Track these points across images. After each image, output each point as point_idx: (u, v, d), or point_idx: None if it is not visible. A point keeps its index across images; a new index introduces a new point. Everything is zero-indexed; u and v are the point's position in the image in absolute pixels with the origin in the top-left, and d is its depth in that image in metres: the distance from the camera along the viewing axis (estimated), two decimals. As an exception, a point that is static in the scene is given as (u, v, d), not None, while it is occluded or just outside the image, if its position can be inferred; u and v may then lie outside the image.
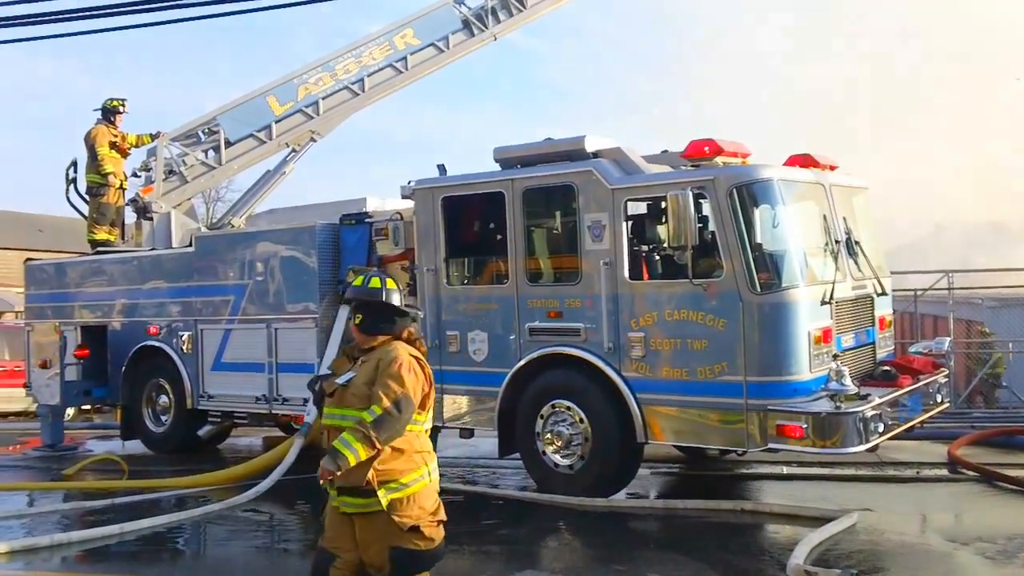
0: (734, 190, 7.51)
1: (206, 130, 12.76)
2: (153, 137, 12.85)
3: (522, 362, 8.49)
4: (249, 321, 10.62)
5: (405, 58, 12.95)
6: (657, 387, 7.82)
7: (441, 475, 4.64)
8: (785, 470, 9.51)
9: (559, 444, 8.30)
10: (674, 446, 9.31)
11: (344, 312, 9.90)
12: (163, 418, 11.74)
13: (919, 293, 13.85)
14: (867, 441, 7.16)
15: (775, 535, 7.45)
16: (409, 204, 9.50)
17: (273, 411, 10.60)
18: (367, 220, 9.96)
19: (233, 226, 12.81)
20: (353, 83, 12.77)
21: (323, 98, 12.68)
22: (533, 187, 8.59)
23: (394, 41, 12.88)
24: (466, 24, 13.22)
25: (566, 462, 8.29)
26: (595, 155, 8.31)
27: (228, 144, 12.59)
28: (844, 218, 8.34)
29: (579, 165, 8.29)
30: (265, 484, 9.04)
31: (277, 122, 12.61)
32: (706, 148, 7.80)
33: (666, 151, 8.90)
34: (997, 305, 18.79)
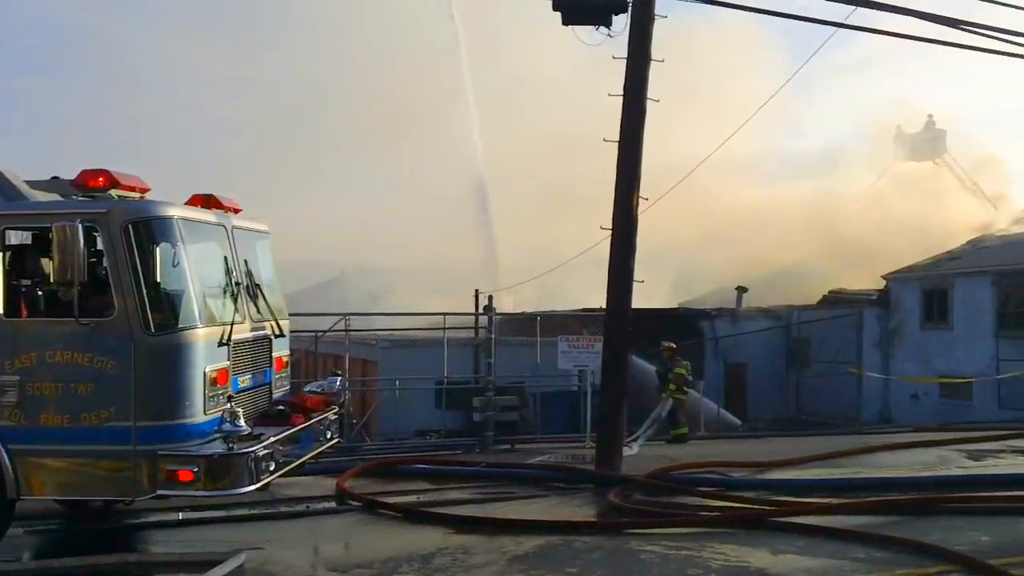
0: (130, 226, 7.21)
1: None
2: None
3: None
4: None
5: None
6: (36, 436, 7.12)
7: None
8: (181, 516, 9.28)
9: None
10: (56, 500, 8.49)
11: None
12: None
13: (320, 334, 14.75)
14: (259, 480, 7.31)
15: (164, 586, 7.21)
16: None
17: None
18: None
19: None
20: None
21: None
22: None
23: None
24: None
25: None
26: (-32, 177, 7.34)
27: None
28: (246, 260, 8.49)
29: (-53, 186, 7.24)
30: None
31: None
32: (100, 179, 7.40)
33: (57, 178, 8.21)
34: (389, 346, 21.00)
